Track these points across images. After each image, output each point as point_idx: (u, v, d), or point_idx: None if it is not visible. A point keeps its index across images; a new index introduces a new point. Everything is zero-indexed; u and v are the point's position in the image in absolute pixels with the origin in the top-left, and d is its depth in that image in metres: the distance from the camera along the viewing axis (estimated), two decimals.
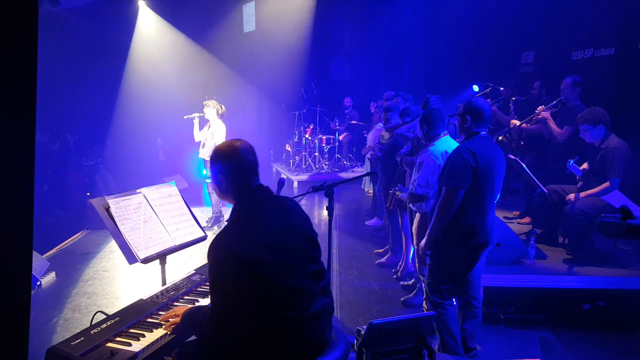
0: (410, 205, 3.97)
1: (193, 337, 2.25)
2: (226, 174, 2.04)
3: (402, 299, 4.36)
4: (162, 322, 2.23)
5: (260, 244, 1.91)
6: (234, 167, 2.03)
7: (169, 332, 2.16)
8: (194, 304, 2.47)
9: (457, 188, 2.95)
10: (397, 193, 4.04)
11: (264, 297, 1.89)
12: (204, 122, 6.66)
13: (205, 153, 6.45)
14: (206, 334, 2.04)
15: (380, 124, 5.97)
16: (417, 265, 3.97)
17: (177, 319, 2.17)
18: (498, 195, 3.24)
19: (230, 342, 1.96)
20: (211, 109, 6.47)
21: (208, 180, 1.90)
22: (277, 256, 1.92)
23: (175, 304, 2.40)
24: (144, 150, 10.20)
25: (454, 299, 3.22)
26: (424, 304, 3.84)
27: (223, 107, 6.61)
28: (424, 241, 3.19)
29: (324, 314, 2.07)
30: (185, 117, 6.71)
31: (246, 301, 1.88)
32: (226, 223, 2.04)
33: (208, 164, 6.52)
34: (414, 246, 4.49)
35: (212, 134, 6.44)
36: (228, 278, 1.89)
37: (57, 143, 8.41)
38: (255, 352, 1.93)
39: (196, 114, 6.64)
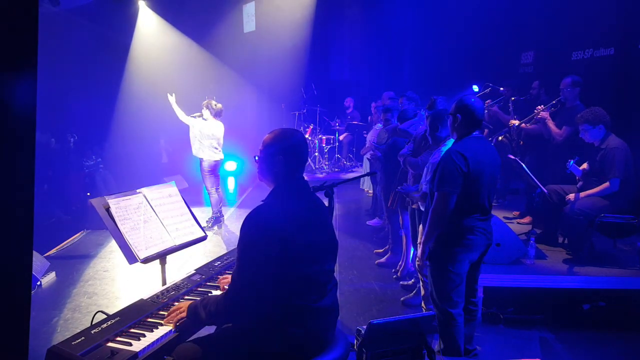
0: (419, 204, 3.95)
1: (193, 337, 2.25)
2: (285, 156, 2.10)
3: (402, 298, 4.36)
4: (169, 320, 2.23)
5: (294, 223, 1.99)
6: (295, 152, 2.13)
7: (173, 329, 2.17)
8: None
9: (448, 193, 2.91)
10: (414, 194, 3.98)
11: (283, 276, 1.96)
12: None
13: (196, 151, 6.57)
14: (217, 316, 2.08)
15: (379, 125, 5.96)
16: (417, 265, 3.95)
17: (183, 314, 2.18)
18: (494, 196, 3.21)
19: (239, 323, 2.02)
20: (205, 110, 6.55)
21: (257, 157, 2.05)
22: (305, 242, 2.00)
23: (176, 303, 2.39)
24: (146, 151, 10.20)
25: (461, 308, 3.14)
26: (423, 304, 3.84)
27: (218, 105, 6.64)
28: (420, 251, 3.13)
29: (330, 312, 2.13)
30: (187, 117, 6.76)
31: (266, 276, 1.94)
32: (261, 202, 2.10)
33: (204, 163, 6.59)
34: (413, 247, 4.50)
35: (206, 133, 6.50)
36: (255, 249, 1.95)
37: (57, 143, 8.40)
38: (258, 338, 1.97)
39: (197, 114, 6.70)
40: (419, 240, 3.68)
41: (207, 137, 6.52)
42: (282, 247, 1.93)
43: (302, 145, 2.17)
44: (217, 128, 6.62)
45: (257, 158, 2.20)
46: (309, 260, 2.02)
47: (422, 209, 3.92)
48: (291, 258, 1.96)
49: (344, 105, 11.11)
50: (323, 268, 2.11)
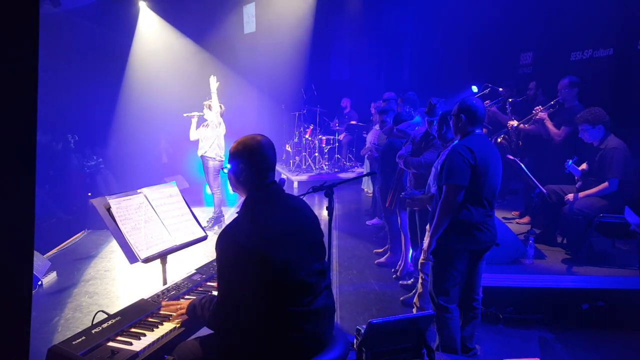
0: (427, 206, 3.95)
1: (193, 337, 2.26)
2: (247, 165, 2.08)
3: (401, 298, 4.37)
4: (169, 315, 2.26)
5: (270, 238, 1.95)
6: (256, 159, 2.08)
7: (177, 325, 2.20)
8: None
9: (457, 186, 2.95)
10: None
11: (269, 290, 1.93)
12: (201, 122, 6.74)
13: (205, 151, 6.59)
14: (211, 325, 2.10)
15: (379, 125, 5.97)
16: (420, 262, 3.93)
17: (183, 311, 2.20)
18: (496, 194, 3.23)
19: (233, 333, 1.99)
20: (217, 106, 6.55)
21: (227, 168, 1.99)
22: (285, 251, 1.97)
23: (164, 308, 2.41)
24: (146, 151, 10.21)
25: (457, 303, 3.18)
26: (416, 300, 3.84)
27: (222, 106, 6.68)
28: (426, 243, 3.17)
29: (326, 312, 2.11)
30: (184, 114, 6.77)
31: (251, 293, 1.93)
32: (236, 215, 2.07)
33: (209, 162, 6.62)
34: (412, 248, 4.50)
35: (213, 133, 6.52)
36: (234, 269, 1.93)
37: (58, 143, 8.42)
38: (256, 345, 1.96)
39: (196, 113, 6.70)
40: (426, 238, 3.70)
41: (223, 137, 6.63)
42: (260, 264, 1.90)
43: (263, 150, 2.10)
44: (222, 128, 6.75)
45: (226, 170, 2.16)
46: (294, 268, 1.98)
47: (430, 209, 3.92)
48: (272, 272, 1.92)
49: (340, 106, 11.14)
50: (310, 270, 2.05)
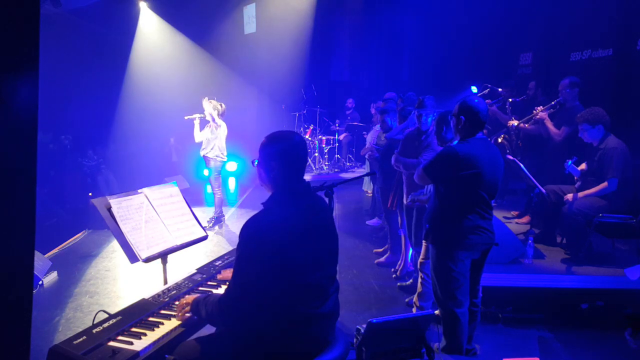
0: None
1: (194, 336, 2.27)
2: (279, 160, 2.05)
3: (406, 300, 4.32)
4: (170, 314, 2.27)
5: (293, 234, 1.96)
6: (288, 155, 2.06)
7: (181, 323, 2.20)
8: None
9: (430, 177, 3.07)
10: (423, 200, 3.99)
11: (283, 287, 1.93)
12: (204, 123, 6.74)
13: (207, 152, 6.60)
14: (213, 314, 2.06)
15: (379, 125, 5.98)
16: (419, 262, 3.93)
17: (188, 308, 2.20)
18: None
19: (236, 327, 2.00)
20: (214, 110, 6.55)
21: (255, 163, 2.00)
22: (305, 250, 1.97)
23: (177, 303, 2.42)
24: (151, 150, 10.23)
25: (466, 307, 3.16)
26: (416, 300, 3.84)
27: (223, 105, 6.69)
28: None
29: (332, 316, 2.12)
30: (185, 117, 6.79)
31: (264, 287, 1.92)
32: (262, 207, 2.07)
33: (210, 162, 6.64)
34: (411, 246, 4.52)
35: (215, 133, 6.53)
36: (253, 259, 1.93)
37: (59, 143, 8.45)
38: (258, 343, 1.97)
39: (197, 115, 6.71)
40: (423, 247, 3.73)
41: (223, 138, 6.64)
42: (281, 259, 1.90)
43: (297, 148, 2.08)
44: (224, 128, 6.75)
45: (255, 163, 2.14)
46: (311, 268, 1.99)
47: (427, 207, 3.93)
48: (291, 269, 1.93)
49: (345, 106, 11.15)
50: (325, 273, 2.07)
